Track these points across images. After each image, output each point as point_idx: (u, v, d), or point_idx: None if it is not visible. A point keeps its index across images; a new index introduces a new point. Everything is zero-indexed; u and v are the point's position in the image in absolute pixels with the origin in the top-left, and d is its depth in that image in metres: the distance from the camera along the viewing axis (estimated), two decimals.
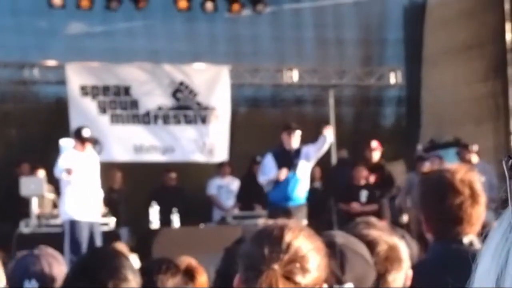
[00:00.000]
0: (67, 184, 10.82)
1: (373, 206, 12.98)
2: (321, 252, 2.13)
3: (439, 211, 3.14)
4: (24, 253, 3.70)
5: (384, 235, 2.92)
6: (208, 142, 15.42)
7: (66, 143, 11.06)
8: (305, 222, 10.43)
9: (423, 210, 3.24)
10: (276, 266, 2.07)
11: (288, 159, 11.32)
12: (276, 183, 11.35)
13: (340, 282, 2.39)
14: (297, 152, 11.32)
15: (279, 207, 11.06)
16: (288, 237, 2.11)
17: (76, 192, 10.77)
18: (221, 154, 15.43)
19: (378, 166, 12.97)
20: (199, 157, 15.40)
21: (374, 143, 13.29)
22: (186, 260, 3.25)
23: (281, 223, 2.18)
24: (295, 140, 11.38)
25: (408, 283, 2.86)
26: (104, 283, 2.69)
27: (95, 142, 11.55)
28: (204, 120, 15.49)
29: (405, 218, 13.33)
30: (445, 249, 3.11)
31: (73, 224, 10.77)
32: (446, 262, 2.97)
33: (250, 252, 2.13)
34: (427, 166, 12.74)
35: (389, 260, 2.75)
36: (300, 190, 11.39)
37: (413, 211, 13.22)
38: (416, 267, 3.02)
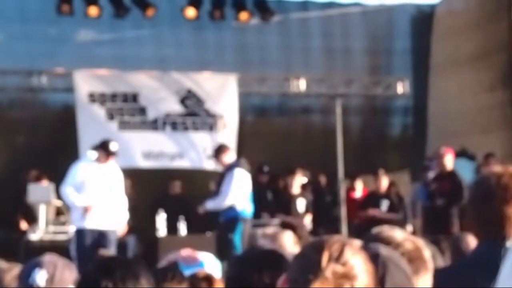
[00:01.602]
0: (80, 193, 10.87)
1: (393, 215, 12.96)
2: (371, 276, 2.22)
3: (482, 212, 3.19)
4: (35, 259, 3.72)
5: (410, 236, 2.97)
6: None
7: (91, 155, 11.16)
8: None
9: (470, 211, 3.31)
10: (330, 276, 2.14)
11: (220, 180, 11.65)
12: None
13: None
14: (228, 169, 11.51)
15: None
16: (347, 253, 2.19)
17: (88, 201, 10.81)
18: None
19: (449, 173, 12.56)
20: (207, 164, 15.37)
21: (442, 149, 12.91)
22: (203, 271, 3.28)
23: (343, 239, 2.27)
24: (225, 158, 11.58)
25: None
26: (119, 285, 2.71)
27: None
28: (212, 128, 15.50)
29: (409, 228, 13.27)
30: (487, 251, 3.14)
31: (79, 231, 10.84)
32: (485, 263, 2.99)
33: (307, 256, 2.21)
34: (430, 175, 12.66)
35: (414, 260, 2.79)
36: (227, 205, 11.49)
37: (418, 221, 13.19)
38: (454, 267, 3.04)
